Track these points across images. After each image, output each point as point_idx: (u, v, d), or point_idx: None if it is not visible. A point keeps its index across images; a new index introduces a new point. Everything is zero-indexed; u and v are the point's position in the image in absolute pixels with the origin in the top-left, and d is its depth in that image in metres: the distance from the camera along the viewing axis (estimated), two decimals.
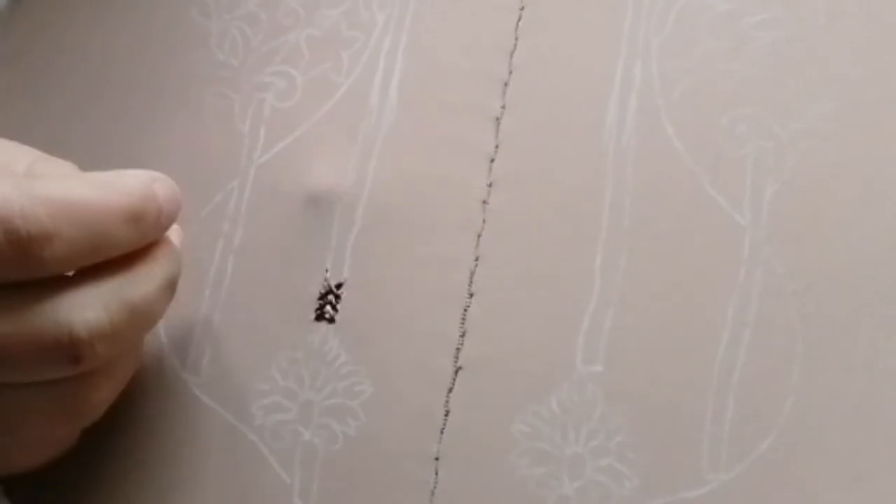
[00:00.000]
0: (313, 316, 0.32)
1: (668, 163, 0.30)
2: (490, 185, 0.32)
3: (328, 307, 0.32)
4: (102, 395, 0.30)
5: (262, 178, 0.34)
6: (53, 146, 0.37)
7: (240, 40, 0.36)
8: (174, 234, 0.31)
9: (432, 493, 0.29)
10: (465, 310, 0.31)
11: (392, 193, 0.32)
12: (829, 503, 0.27)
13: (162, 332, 0.33)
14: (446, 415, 0.30)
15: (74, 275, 0.28)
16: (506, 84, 0.33)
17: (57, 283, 0.27)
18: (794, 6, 0.31)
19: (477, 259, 0.31)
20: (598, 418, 0.29)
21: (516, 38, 0.33)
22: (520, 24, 0.33)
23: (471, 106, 0.33)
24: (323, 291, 0.32)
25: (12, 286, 0.27)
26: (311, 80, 0.35)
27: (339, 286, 0.32)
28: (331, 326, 0.31)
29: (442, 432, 0.30)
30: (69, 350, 0.27)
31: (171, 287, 0.30)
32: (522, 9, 0.33)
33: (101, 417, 0.31)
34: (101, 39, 0.38)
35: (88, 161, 0.37)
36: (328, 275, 0.32)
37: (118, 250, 0.28)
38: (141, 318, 0.28)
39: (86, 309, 0.27)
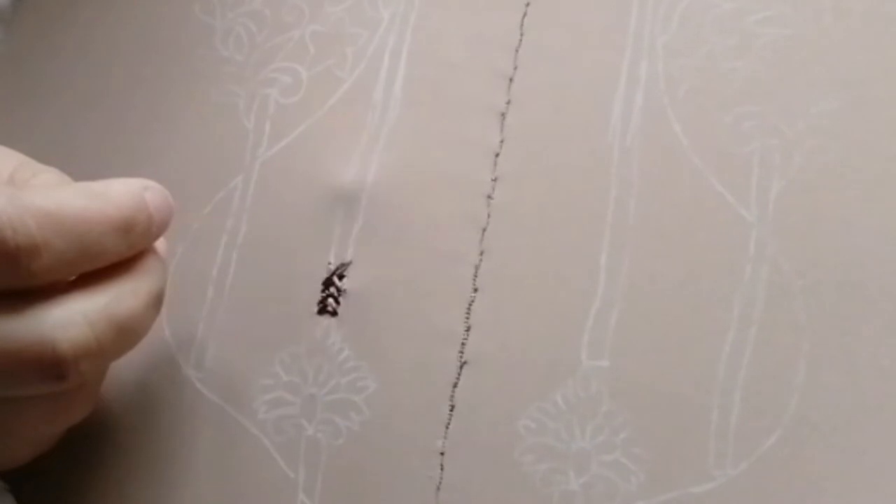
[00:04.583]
0: (316, 310, 0.32)
1: (674, 159, 0.30)
2: (495, 180, 0.32)
3: (330, 300, 0.32)
4: (86, 404, 0.30)
5: (267, 173, 0.34)
6: (56, 144, 0.37)
7: (244, 37, 0.36)
8: (160, 245, 0.31)
9: (437, 489, 0.29)
10: (470, 305, 0.31)
11: (397, 188, 0.32)
12: (833, 499, 0.27)
13: (165, 328, 0.33)
14: (451, 410, 0.30)
15: (59, 290, 0.27)
16: (511, 80, 0.33)
17: (41, 298, 0.27)
18: (799, 4, 0.31)
19: (482, 254, 0.31)
20: (603, 414, 0.29)
21: (521, 34, 0.33)
22: (525, 20, 0.33)
23: (476, 101, 0.33)
24: (326, 276, 0.32)
25: None
26: (315, 75, 0.34)
27: (341, 277, 0.32)
28: (333, 320, 0.31)
29: (447, 427, 0.30)
30: (53, 368, 0.26)
31: (157, 302, 0.29)
32: (528, 5, 0.33)
33: (104, 413, 0.31)
34: (104, 37, 0.38)
35: (92, 159, 0.37)
36: (331, 267, 0.32)
37: (107, 260, 0.28)
38: (127, 335, 0.28)
39: (70, 327, 0.27)
